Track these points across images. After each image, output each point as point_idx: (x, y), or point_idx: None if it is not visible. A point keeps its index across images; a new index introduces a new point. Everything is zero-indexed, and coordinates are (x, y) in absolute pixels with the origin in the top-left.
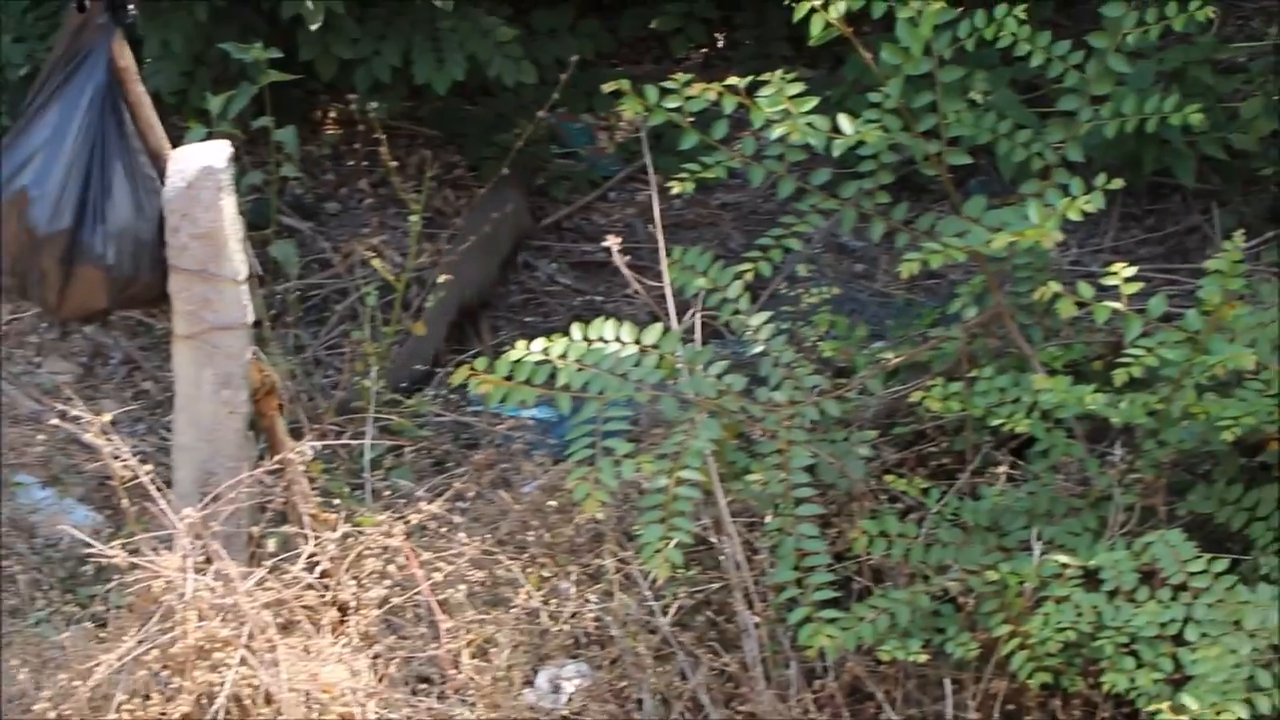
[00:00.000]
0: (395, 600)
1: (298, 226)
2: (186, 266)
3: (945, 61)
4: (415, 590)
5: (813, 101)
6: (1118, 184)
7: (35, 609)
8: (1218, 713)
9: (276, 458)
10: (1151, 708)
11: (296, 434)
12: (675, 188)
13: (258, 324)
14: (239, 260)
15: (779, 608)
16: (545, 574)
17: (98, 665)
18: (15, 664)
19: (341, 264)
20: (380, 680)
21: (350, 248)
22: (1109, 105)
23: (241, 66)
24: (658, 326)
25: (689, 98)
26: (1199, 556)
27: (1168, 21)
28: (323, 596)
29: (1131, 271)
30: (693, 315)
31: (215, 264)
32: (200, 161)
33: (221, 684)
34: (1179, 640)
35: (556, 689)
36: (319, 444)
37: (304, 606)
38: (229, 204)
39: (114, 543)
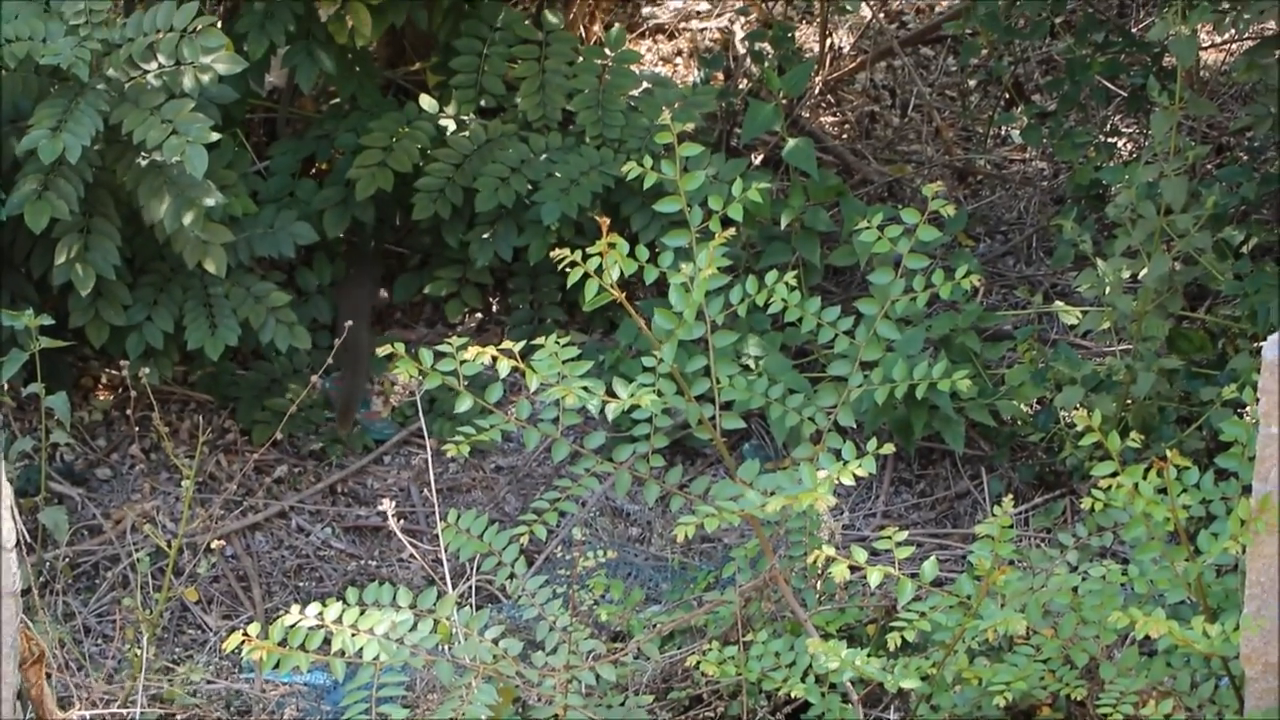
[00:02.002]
0: None
1: (68, 493)
2: None
3: (718, 326)
4: None
5: (587, 365)
6: (888, 449)
7: None
8: None
9: None
10: None
11: (65, 704)
12: (450, 451)
13: (26, 592)
14: (7, 528)
15: None
16: None
17: None
18: None
19: (112, 530)
20: None
21: (122, 514)
22: (878, 370)
23: (11, 333)
24: (433, 591)
25: (464, 361)
26: None
27: (935, 289)
28: None
29: (903, 536)
30: (468, 580)
31: None
32: None
33: None
34: None
35: None
36: (87, 713)
37: None
38: None
39: None
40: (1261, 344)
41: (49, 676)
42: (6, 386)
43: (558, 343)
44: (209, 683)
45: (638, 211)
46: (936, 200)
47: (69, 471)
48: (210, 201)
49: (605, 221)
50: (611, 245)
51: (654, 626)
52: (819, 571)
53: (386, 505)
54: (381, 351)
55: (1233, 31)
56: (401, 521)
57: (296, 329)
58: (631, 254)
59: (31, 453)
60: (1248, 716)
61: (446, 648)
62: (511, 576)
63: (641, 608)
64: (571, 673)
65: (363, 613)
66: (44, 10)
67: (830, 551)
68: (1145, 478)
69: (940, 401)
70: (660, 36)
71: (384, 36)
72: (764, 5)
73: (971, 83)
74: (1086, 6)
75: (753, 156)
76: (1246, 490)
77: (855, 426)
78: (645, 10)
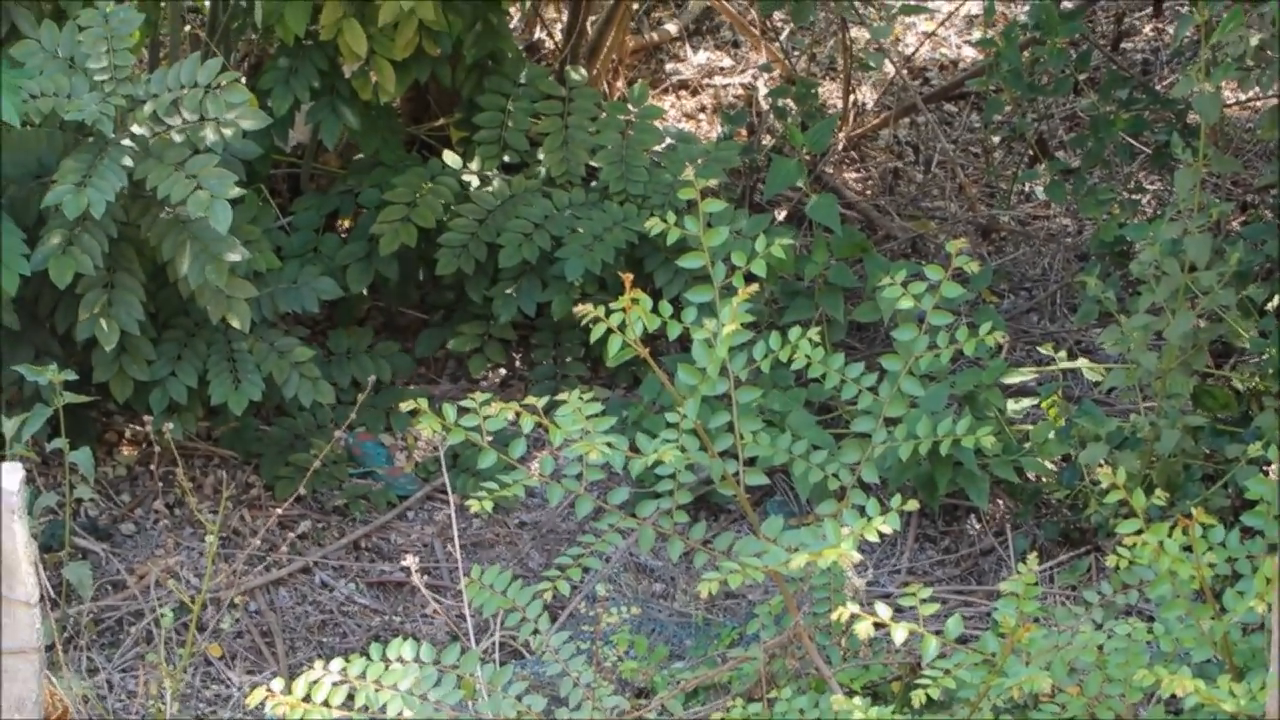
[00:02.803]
0: None
1: (92, 548)
2: None
3: (741, 382)
4: None
5: (610, 421)
6: (913, 505)
7: None
8: None
9: None
10: None
11: None
12: (474, 507)
13: (50, 647)
14: (31, 584)
15: None
16: None
17: None
18: None
19: (136, 585)
20: None
21: (145, 569)
22: (902, 427)
23: (36, 389)
24: (456, 646)
25: (487, 417)
26: None
27: (959, 346)
28: None
29: (928, 593)
30: (492, 635)
31: (7, 588)
32: None
33: None
34: None
35: None
36: None
37: None
38: (21, 527)
39: None
40: None
41: None
42: (31, 442)
43: (581, 398)
44: None
45: (661, 267)
46: (960, 256)
47: (93, 527)
48: (234, 257)
49: (629, 277)
50: (635, 301)
51: (678, 683)
52: (843, 628)
53: (410, 561)
54: (405, 407)
55: (1257, 89)
56: (425, 577)
57: (320, 384)
58: (655, 309)
59: (56, 508)
60: None
61: (470, 704)
62: (535, 632)
63: (665, 664)
64: None
65: (386, 668)
66: (69, 66)
67: (855, 608)
68: (1170, 535)
69: (964, 458)
70: (684, 92)
71: (407, 92)
72: (787, 61)
73: (995, 139)
74: (1110, 63)
75: (776, 212)
76: (1272, 549)
77: (879, 483)
78: (669, 66)
